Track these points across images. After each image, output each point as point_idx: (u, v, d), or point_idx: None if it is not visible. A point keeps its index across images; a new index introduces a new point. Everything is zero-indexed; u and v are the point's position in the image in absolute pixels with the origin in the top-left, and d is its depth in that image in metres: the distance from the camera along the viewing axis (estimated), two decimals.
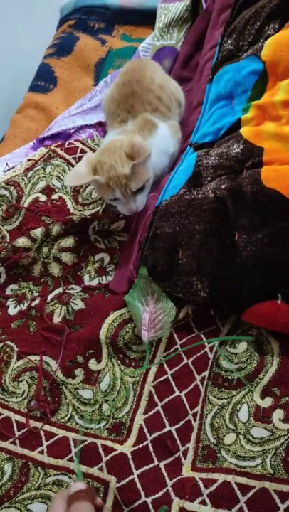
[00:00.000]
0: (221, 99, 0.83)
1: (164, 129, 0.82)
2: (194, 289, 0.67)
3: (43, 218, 0.85)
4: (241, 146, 0.72)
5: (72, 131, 1.03)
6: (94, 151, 0.92)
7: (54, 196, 0.88)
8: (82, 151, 0.93)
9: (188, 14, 1.06)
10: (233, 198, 0.68)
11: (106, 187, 0.73)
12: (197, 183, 0.74)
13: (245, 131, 0.74)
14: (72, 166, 0.92)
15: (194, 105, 0.91)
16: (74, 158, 0.92)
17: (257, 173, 0.67)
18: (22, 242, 0.81)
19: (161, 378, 0.67)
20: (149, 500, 0.59)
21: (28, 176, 0.92)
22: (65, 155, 0.93)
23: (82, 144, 0.94)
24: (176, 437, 0.62)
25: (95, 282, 0.78)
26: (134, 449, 0.63)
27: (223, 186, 0.69)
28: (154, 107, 0.82)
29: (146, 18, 1.17)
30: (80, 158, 0.92)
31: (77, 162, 0.92)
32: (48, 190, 0.89)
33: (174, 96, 0.87)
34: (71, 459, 0.64)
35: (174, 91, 0.88)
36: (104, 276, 0.79)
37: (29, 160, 0.96)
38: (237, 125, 0.76)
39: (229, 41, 0.87)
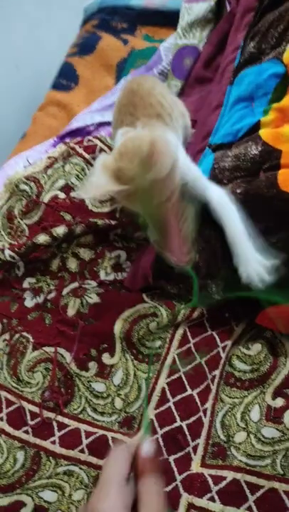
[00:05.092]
0: (241, 101, 0.84)
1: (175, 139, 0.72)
2: (209, 292, 0.68)
3: (62, 214, 0.86)
4: (260, 148, 0.72)
5: (91, 128, 1.05)
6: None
7: (73, 194, 0.90)
8: (102, 150, 0.94)
9: (212, 15, 1.06)
10: (248, 202, 0.68)
11: (134, 197, 0.61)
12: None
13: (264, 133, 0.74)
14: (92, 165, 0.93)
15: (214, 106, 0.91)
16: (93, 158, 0.93)
17: (274, 176, 0.68)
18: (43, 239, 0.82)
19: (175, 376, 0.68)
20: None
21: (48, 174, 0.93)
22: (84, 153, 0.94)
23: (101, 141, 0.95)
24: (187, 432, 0.63)
25: (110, 278, 0.79)
26: None
27: (238, 191, 0.70)
28: (157, 112, 0.73)
29: (169, 19, 1.17)
30: None
31: None
32: (66, 189, 0.90)
33: (174, 113, 0.78)
34: (82, 450, 0.66)
35: (178, 114, 0.80)
36: (120, 273, 0.80)
37: (49, 157, 0.97)
38: (256, 127, 0.77)
39: (252, 44, 0.87)
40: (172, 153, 0.59)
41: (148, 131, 0.67)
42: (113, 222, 0.82)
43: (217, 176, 0.75)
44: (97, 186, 0.60)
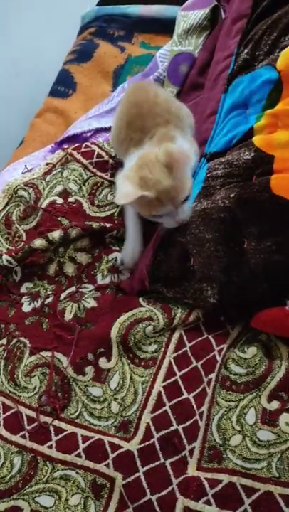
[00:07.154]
0: (235, 109, 0.84)
1: (181, 141, 0.78)
2: (204, 295, 0.68)
3: (60, 219, 0.87)
4: (252, 154, 0.73)
5: (88, 134, 1.05)
6: (110, 155, 0.94)
7: (70, 199, 0.90)
8: (99, 156, 0.95)
9: (207, 22, 1.07)
10: (241, 206, 0.69)
11: (154, 202, 0.69)
12: (207, 194, 0.75)
13: (257, 139, 0.75)
14: (89, 170, 0.93)
15: (207, 114, 0.91)
16: (90, 163, 0.94)
17: (267, 180, 0.68)
18: (40, 244, 0.82)
19: (171, 379, 0.68)
20: (154, 498, 0.60)
21: (47, 180, 0.94)
22: (82, 159, 0.95)
23: (99, 147, 0.96)
24: (183, 436, 0.63)
25: (107, 280, 0.80)
26: (141, 446, 0.64)
27: (231, 195, 0.70)
28: (165, 119, 0.79)
29: (165, 26, 1.19)
30: (96, 162, 0.94)
31: (94, 167, 0.94)
32: (64, 194, 0.91)
33: (182, 114, 0.84)
34: (79, 455, 0.66)
35: (185, 114, 0.85)
36: (116, 275, 0.80)
37: (47, 164, 0.98)
38: (250, 134, 0.77)
39: (245, 51, 0.88)
40: (187, 157, 0.69)
41: (156, 144, 0.74)
42: (108, 225, 0.83)
43: (210, 184, 0.76)
44: (128, 193, 0.69)
